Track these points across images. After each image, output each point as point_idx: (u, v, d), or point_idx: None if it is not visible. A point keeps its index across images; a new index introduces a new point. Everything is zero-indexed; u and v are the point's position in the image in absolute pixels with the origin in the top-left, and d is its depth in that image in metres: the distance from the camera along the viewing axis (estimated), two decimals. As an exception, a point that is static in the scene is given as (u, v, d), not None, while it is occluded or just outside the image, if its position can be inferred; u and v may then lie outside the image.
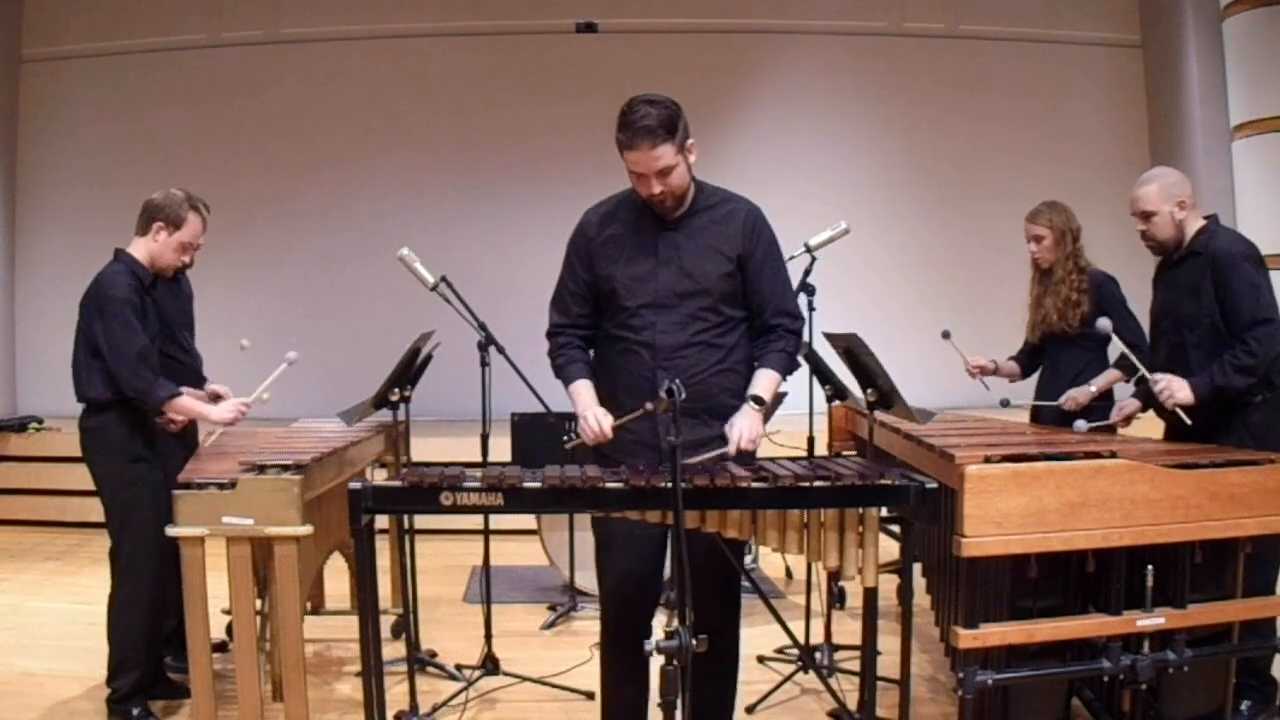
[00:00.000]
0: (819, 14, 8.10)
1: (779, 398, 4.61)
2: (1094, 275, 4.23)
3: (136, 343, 3.46)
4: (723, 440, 2.88)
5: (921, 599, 3.93)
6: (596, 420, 2.88)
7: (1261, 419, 3.36)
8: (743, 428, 2.86)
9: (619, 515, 2.76)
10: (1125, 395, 3.83)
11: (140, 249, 3.66)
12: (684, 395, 2.40)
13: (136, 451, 3.55)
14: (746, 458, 2.90)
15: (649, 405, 2.64)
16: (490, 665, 4.02)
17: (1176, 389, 3.36)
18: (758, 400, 2.91)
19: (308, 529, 3.13)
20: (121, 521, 3.54)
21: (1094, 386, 4.09)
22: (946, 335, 4.43)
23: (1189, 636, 2.94)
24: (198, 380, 4.03)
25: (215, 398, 3.95)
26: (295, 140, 7.97)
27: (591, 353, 3.09)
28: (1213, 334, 3.39)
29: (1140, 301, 4.10)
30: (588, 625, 4.65)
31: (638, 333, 2.95)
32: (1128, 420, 3.81)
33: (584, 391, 2.98)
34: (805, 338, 3.93)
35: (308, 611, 4.27)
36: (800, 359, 3.14)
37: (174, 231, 3.66)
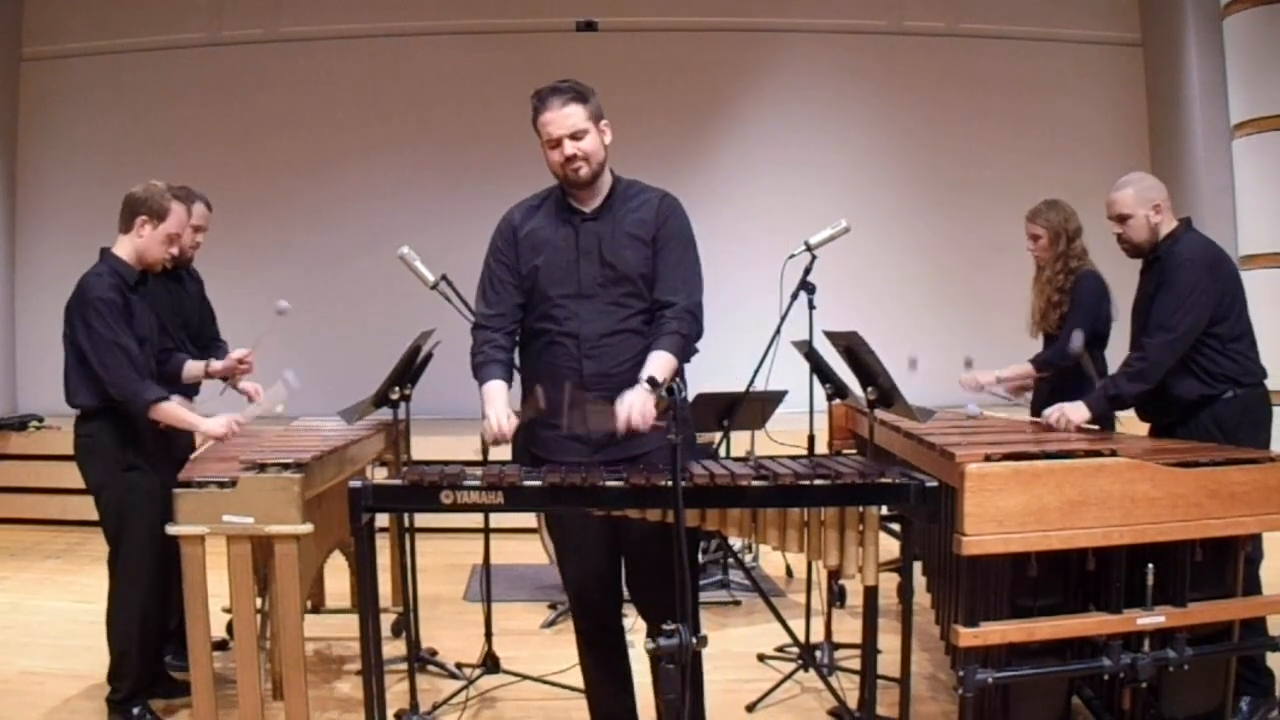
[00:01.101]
0: (819, 12, 8.10)
1: (777, 396, 4.62)
2: (1081, 274, 4.20)
3: (119, 345, 3.40)
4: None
5: (922, 597, 3.93)
6: (498, 420, 2.84)
7: (1230, 414, 3.41)
8: (631, 402, 2.73)
9: (601, 516, 2.76)
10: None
11: (125, 246, 3.59)
12: (684, 393, 2.39)
13: (128, 459, 3.51)
14: (639, 438, 2.81)
15: (539, 403, 2.71)
16: (490, 664, 4.02)
17: (1070, 414, 3.51)
18: (651, 381, 2.78)
19: (308, 527, 3.12)
20: (117, 527, 3.52)
21: (1001, 372, 4.27)
22: (914, 365, 4.12)
23: (1189, 635, 2.93)
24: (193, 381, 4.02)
25: (230, 375, 4.03)
26: (295, 139, 7.97)
27: (515, 354, 3.06)
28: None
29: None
30: (588, 624, 4.65)
31: (561, 324, 2.94)
32: (1018, 391, 4.09)
33: (495, 393, 2.92)
34: (807, 336, 3.96)
35: (308, 610, 4.27)
36: (696, 347, 3.02)
37: (158, 224, 3.58)
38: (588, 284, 2.94)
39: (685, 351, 2.95)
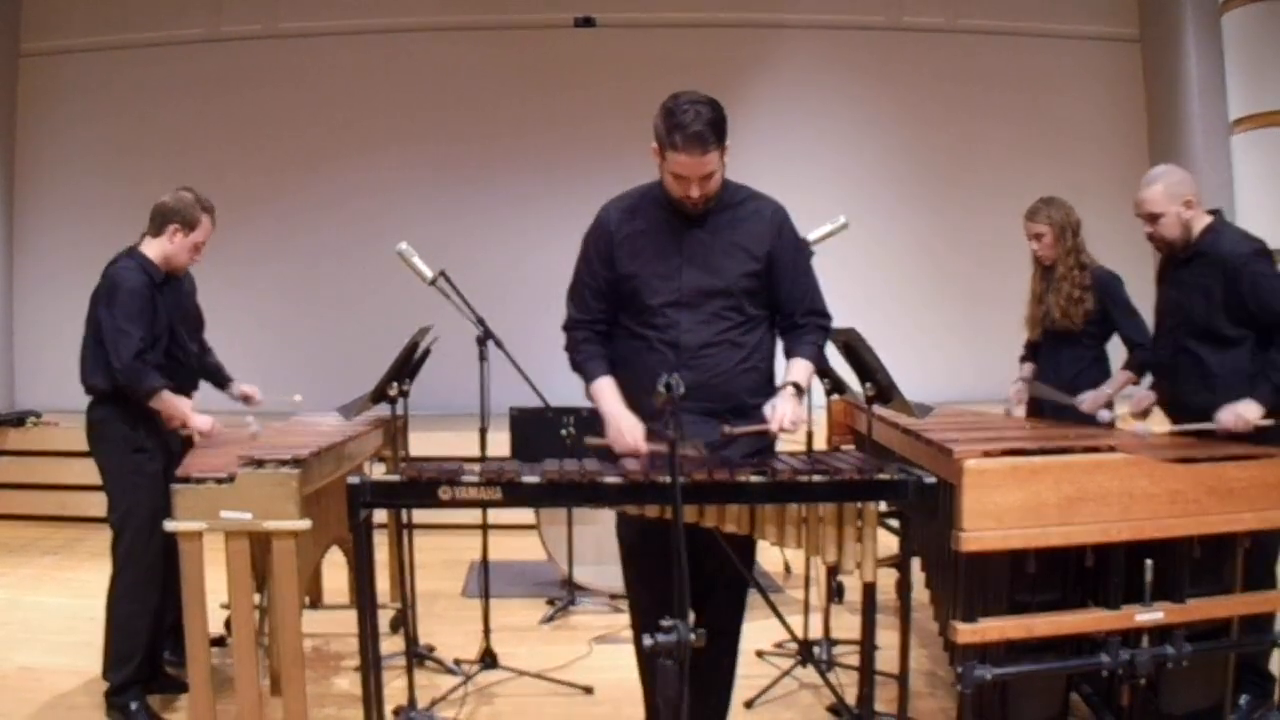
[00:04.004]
0: (817, 8, 8.10)
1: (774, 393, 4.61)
2: (1098, 273, 4.17)
3: (136, 332, 3.51)
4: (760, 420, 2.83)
5: (920, 594, 3.93)
6: (631, 434, 2.80)
7: None
8: (784, 410, 2.79)
9: (636, 516, 2.75)
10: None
11: (154, 249, 3.72)
12: (682, 390, 2.39)
13: (138, 442, 3.59)
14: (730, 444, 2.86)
15: (688, 446, 2.65)
16: (488, 660, 4.03)
17: (1246, 413, 3.20)
18: (797, 386, 2.87)
19: (306, 523, 3.12)
20: (123, 512, 3.57)
21: (1109, 389, 4.01)
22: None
23: (1188, 631, 2.94)
24: (194, 378, 4.05)
25: (245, 398, 4.18)
26: (294, 135, 7.97)
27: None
28: (1221, 337, 3.33)
29: (1140, 299, 4.08)
30: (586, 620, 4.66)
31: (662, 331, 2.90)
32: (1145, 414, 3.76)
33: (609, 391, 2.91)
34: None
35: (306, 606, 4.27)
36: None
37: (189, 233, 3.74)
38: (689, 293, 2.90)
39: (821, 360, 3.03)
